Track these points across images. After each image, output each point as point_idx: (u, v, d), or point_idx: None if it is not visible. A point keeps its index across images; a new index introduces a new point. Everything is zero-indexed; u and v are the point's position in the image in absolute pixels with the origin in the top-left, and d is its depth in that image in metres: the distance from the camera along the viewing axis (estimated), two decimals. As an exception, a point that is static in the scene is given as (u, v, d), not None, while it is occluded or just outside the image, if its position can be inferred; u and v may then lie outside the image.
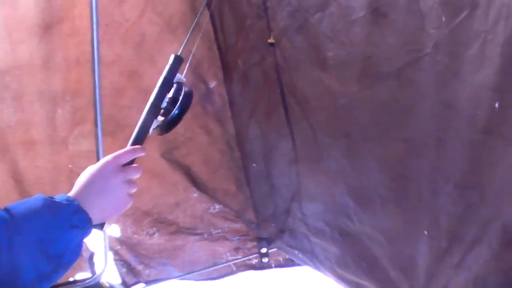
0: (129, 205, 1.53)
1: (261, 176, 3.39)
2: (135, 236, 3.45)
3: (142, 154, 1.60)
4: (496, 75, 1.57)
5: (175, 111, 1.69)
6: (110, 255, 3.37)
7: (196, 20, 2.31)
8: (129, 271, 3.51)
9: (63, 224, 1.29)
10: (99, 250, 3.27)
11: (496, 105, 1.59)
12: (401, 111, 2.04)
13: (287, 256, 3.69)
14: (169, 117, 1.70)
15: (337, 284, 3.02)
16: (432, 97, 1.86)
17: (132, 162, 1.58)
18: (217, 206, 3.59)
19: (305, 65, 2.59)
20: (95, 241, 3.27)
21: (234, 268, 3.77)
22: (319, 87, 2.50)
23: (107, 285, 3.39)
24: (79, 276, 3.28)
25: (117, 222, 3.38)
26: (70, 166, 3.18)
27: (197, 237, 3.61)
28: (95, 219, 1.40)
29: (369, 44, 2.09)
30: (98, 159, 2.99)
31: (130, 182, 1.53)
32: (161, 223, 3.50)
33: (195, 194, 3.51)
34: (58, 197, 1.35)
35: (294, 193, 3.12)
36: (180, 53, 1.83)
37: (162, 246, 3.55)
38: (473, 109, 1.69)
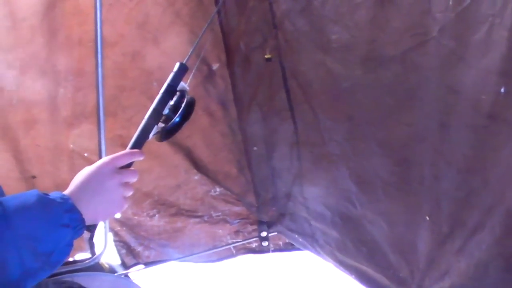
0: (124, 208, 1.52)
1: (262, 159, 3.38)
2: (135, 217, 3.45)
3: (141, 158, 1.59)
4: (503, 59, 1.56)
5: (176, 118, 1.68)
6: (110, 236, 3.37)
7: (204, 28, 2.27)
8: (129, 252, 3.52)
9: (54, 222, 1.28)
10: (99, 231, 3.27)
11: (502, 90, 1.59)
12: (405, 95, 2.04)
13: (287, 240, 3.69)
14: (169, 124, 1.69)
15: (336, 270, 3.02)
16: (437, 82, 1.86)
17: (129, 165, 1.58)
18: (218, 189, 3.59)
19: (307, 48, 2.58)
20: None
21: (234, 251, 3.78)
22: (322, 71, 2.49)
23: (106, 265, 3.40)
24: (79, 256, 3.29)
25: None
26: (71, 146, 3.18)
27: (197, 220, 3.61)
28: (88, 219, 1.38)
29: (374, 27, 2.08)
30: (99, 140, 2.99)
31: (126, 185, 1.51)
32: (162, 205, 3.50)
33: (196, 176, 3.51)
34: (53, 194, 1.34)
35: (295, 177, 3.12)
36: (186, 61, 1.81)
37: (162, 228, 3.56)
38: (478, 94, 1.68)
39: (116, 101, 3.21)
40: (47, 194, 1.32)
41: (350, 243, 2.76)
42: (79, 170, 2.79)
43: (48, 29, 2.97)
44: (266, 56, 2.83)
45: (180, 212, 3.56)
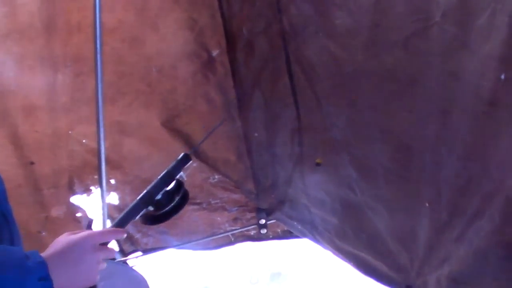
0: (94, 283, 1.50)
1: (263, 145, 3.37)
2: (133, 204, 3.44)
3: (123, 237, 1.61)
4: (504, 45, 1.56)
5: (167, 208, 1.71)
6: (109, 223, 3.36)
7: (220, 122, 2.27)
8: (127, 239, 3.52)
9: None
10: (97, 218, 3.27)
11: (502, 76, 1.58)
12: (407, 81, 2.03)
13: (286, 228, 3.68)
14: (160, 212, 1.71)
15: (335, 257, 3.02)
16: (439, 67, 1.85)
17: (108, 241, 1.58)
18: (216, 176, 3.58)
19: (312, 33, 2.57)
20: (93, 209, 3.26)
21: (232, 239, 3.78)
22: (325, 55, 2.48)
23: (105, 252, 3.39)
24: (77, 242, 3.28)
25: (115, 190, 3.37)
26: (69, 132, 3.18)
27: (196, 207, 3.61)
28: (57, 286, 1.35)
29: (377, 12, 2.07)
30: (98, 126, 2.97)
31: (103, 261, 1.51)
32: (160, 191, 3.49)
33: (195, 163, 3.50)
34: (32, 256, 1.32)
35: (296, 163, 3.11)
36: (192, 152, 1.83)
37: (161, 215, 3.55)
38: (479, 80, 1.68)
39: (115, 87, 3.20)
40: (27, 257, 1.31)
41: (350, 230, 2.76)
42: (77, 157, 2.78)
43: (47, 15, 2.96)
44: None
45: (179, 199, 3.55)
